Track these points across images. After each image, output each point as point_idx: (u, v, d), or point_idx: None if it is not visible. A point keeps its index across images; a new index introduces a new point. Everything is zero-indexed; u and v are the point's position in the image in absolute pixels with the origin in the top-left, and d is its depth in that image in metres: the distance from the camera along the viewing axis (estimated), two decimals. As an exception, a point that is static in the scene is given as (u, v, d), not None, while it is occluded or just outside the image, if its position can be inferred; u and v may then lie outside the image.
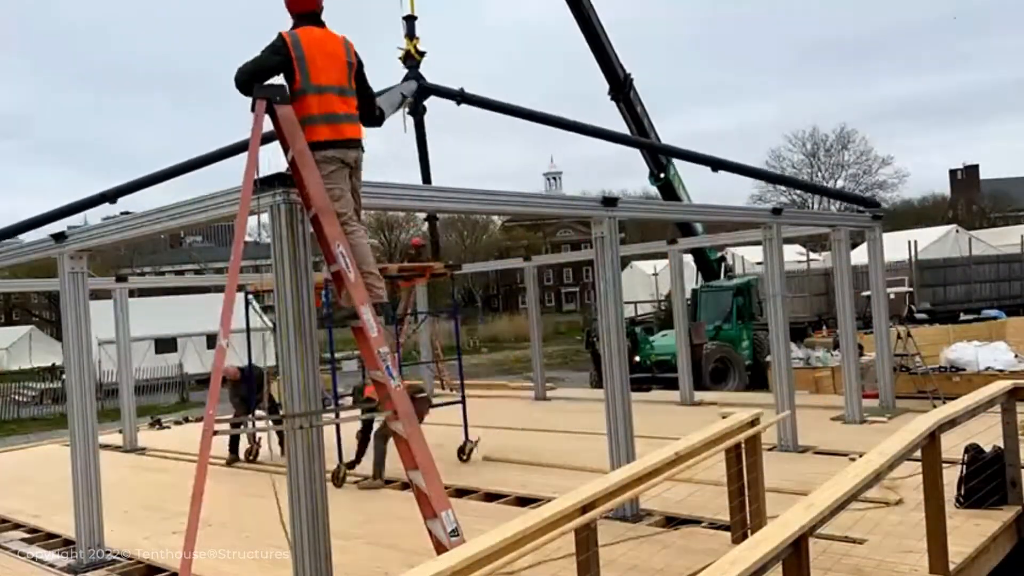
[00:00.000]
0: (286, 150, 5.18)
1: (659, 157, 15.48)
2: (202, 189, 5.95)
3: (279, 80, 5.31)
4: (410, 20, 12.77)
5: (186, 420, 16.58)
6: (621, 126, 15.66)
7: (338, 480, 8.87)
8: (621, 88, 14.87)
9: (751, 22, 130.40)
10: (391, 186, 6.40)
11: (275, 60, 5.22)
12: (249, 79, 5.16)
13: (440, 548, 5.20)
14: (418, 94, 12.56)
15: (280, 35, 5.30)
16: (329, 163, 5.30)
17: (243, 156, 6.06)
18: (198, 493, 4.67)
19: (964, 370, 13.06)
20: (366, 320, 5.04)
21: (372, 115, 5.84)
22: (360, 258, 5.25)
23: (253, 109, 5.15)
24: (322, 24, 5.52)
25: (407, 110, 12.47)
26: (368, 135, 5.81)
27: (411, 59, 12.49)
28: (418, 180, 13.62)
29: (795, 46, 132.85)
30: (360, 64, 5.63)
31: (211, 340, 34.73)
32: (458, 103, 11.63)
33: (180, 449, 12.51)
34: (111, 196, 8.17)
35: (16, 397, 29.15)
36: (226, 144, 8.81)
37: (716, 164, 11.03)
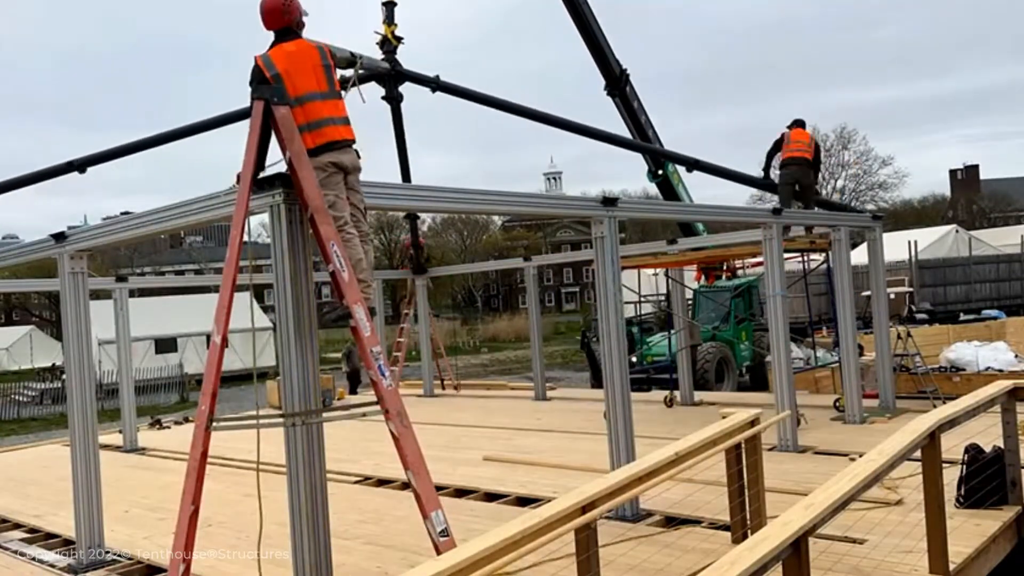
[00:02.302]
0: (284, 151, 5.19)
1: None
2: (201, 189, 5.97)
3: None
4: (389, 6, 12.78)
5: (186, 420, 16.58)
6: (617, 121, 15.67)
7: None
8: (617, 84, 14.80)
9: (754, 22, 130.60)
10: (390, 186, 6.41)
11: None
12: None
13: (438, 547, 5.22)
14: (394, 80, 12.53)
15: (255, 60, 5.41)
16: (323, 170, 5.35)
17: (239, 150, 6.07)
18: (189, 490, 4.67)
19: (964, 370, 13.07)
20: (359, 319, 5.05)
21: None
22: (353, 265, 5.26)
23: (252, 109, 5.16)
24: (297, 36, 5.62)
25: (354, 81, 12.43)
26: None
27: (388, 44, 12.46)
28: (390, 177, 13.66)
29: (795, 46, 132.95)
30: (333, 61, 5.72)
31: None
32: (433, 90, 11.57)
33: (180, 449, 12.50)
34: (79, 165, 8.00)
35: (16, 397, 29.18)
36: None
37: (693, 164, 11.11)
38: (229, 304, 5.01)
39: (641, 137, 15.34)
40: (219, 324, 4.95)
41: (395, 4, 12.80)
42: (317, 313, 5.31)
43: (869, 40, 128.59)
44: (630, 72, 14.83)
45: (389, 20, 12.70)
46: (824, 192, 64.44)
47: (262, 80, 5.29)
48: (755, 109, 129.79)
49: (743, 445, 6.04)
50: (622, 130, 15.38)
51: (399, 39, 12.63)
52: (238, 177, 5.22)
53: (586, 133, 10.77)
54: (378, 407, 5.19)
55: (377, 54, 12.52)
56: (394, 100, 13.57)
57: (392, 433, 5.14)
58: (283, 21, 5.56)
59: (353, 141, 5.61)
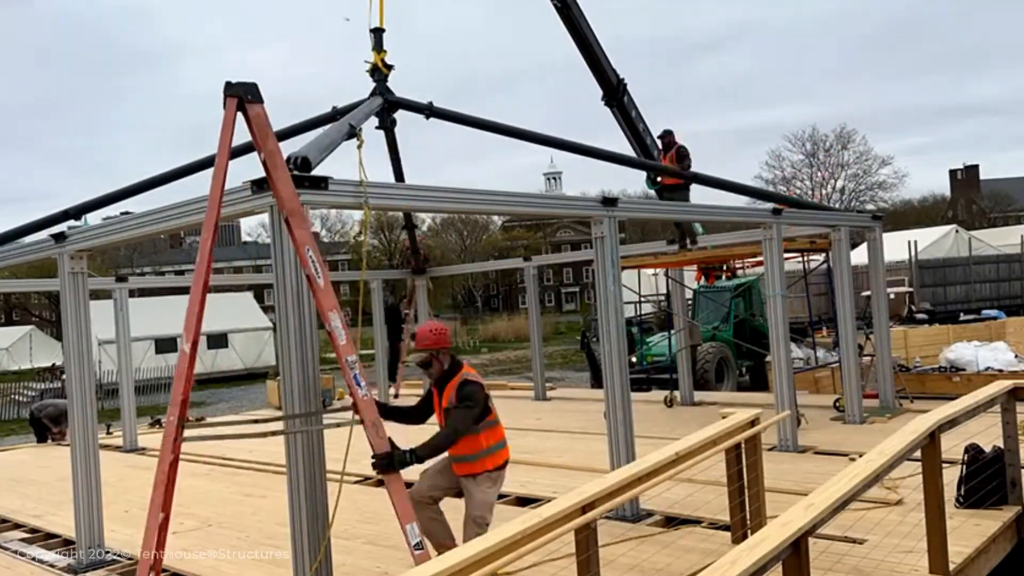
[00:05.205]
0: (258, 150, 5.09)
1: (654, 159, 15.43)
2: (198, 190, 5.95)
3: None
4: (378, 32, 12.58)
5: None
6: (616, 130, 15.64)
7: None
8: (614, 94, 14.76)
9: (755, 22, 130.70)
10: (391, 186, 6.43)
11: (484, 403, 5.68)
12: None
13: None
14: (387, 109, 12.39)
15: (475, 381, 5.73)
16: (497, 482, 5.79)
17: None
18: (157, 502, 4.64)
19: (964, 370, 13.07)
20: (335, 327, 4.93)
21: None
22: None
23: (225, 106, 5.02)
24: None
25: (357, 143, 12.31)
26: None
27: (378, 72, 12.31)
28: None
29: (796, 46, 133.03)
30: None
31: (211, 340, 34.78)
32: (427, 117, 11.50)
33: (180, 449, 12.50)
34: (75, 213, 8.18)
35: (16, 397, 29.15)
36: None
37: (691, 178, 11.14)
38: (201, 310, 4.87)
39: (640, 146, 15.32)
40: (188, 332, 4.80)
41: (383, 31, 12.64)
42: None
43: (868, 39, 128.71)
44: (627, 81, 14.80)
45: (378, 47, 12.53)
46: (824, 192, 64.67)
47: (486, 395, 5.69)
48: (755, 110, 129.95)
49: (743, 445, 6.04)
50: (620, 137, 15.37)
51: (389, 67, 12.47)
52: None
53: (585, 152, 10.75)
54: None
55: (367, 83, 12.39)
56: (388, 129, 13.47)
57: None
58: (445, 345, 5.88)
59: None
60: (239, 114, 5.03)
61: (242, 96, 4.99)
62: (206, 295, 4.95)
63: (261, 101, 5.08)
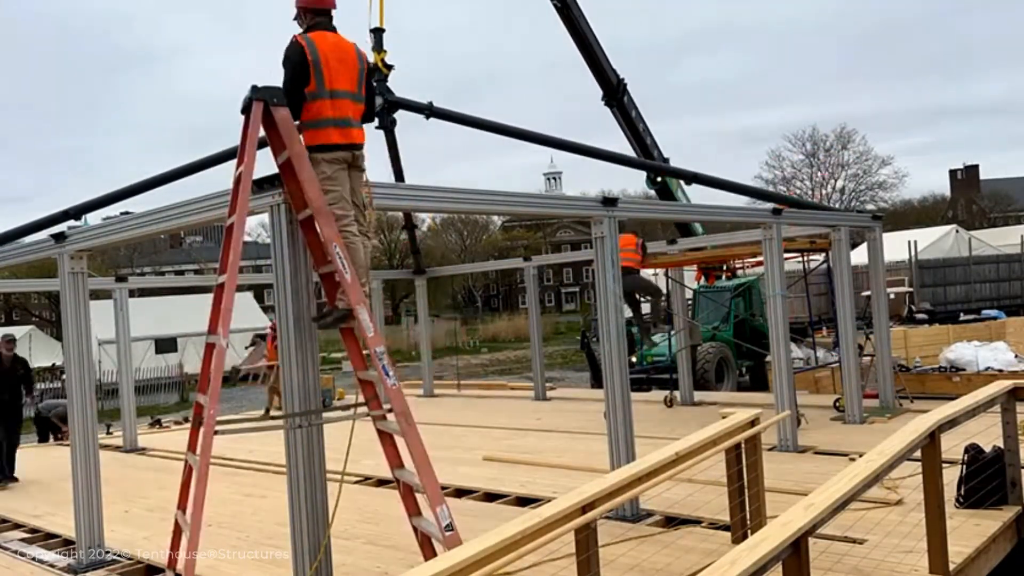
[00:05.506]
0: (279, 152, 5.15)
1: (654, 159, 15.42)
2: (198, 190, 5.97)
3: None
4: (378, 32, 12.56)
5: (186, 420, 16.57)
6: (616, 130, 15.65)
7: None
8: (614, 94, 14.77)
9: (755, 22, 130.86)
10: (391, 186, 6.43)
11: (297, 69, 5.23)
12: (289, 99, 5.19)
13: (427, 546, 5.23)
14: (387, 109, 12.38)
15: (295, 40, 5.29)
16: (332, 163, 5.29)
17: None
18: (200, 498, 4.66)
19: (964, 370, 13.07)
20: (363, 320, 5.00)
21: (369, 116, 5.83)
22: (356, 265, 5.21)
23: (243, 111, 5.07)
24: (334, 28, 5.53)
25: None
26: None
27: (378, 72, 12.30)
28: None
29: (796, 46, 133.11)
30: (369, 68, 5.68)
31: (211, 340, 34.83)
32: (427, 117, 11.50)
33: (180, 449, 12.49)
34: (75, 213, 8.18)
35: (16, 397, 29.11)
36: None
37: (691, 178, 11.16)
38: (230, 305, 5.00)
39: (640, 145, 15.32)
40: (224, 327, 4.91)
41: (383, 31, 12.61)
42: (316, 314, 5.30)
43: (868, 38, 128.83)
44: (627, 81, 14.80)
45: (379, 47, 12.52)
46: (824, 192, 64.68)
47: (300, 60, 5.19)
48: (755, 110, 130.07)
49: (743, 445, 6.04)
50: (620, 137, 15.38)
51: (390, 67, 12.46)
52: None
53: (585, 152, 10.78)
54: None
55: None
56: (388, 129, 13.46)
57: (383, 432, 5.16)
58: (326, 2, 5.44)
59: (363, 144, 5.62)
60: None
61: (268, 100, 5.06)
62: (233, 294, 5.05)
63: (286, 104, 5.15)
